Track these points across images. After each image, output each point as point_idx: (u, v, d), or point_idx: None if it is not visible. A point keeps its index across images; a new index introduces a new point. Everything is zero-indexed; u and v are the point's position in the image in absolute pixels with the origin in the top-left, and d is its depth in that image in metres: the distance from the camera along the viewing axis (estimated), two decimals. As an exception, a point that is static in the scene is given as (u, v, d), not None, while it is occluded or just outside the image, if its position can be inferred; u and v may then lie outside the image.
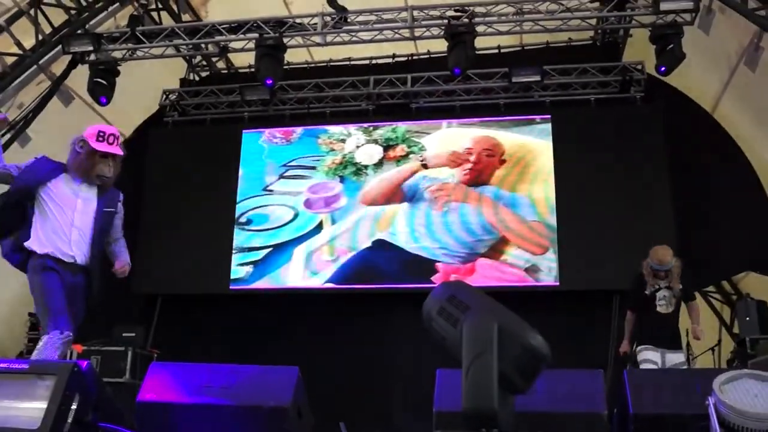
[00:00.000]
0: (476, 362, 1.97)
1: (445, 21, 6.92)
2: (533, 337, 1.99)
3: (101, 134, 4.06)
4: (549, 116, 8.15)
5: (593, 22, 7.25)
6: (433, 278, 7.70)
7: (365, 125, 8.55)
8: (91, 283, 4.03)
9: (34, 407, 2.72)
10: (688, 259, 7.22)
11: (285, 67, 7.46)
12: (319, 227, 8.21)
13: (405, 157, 8.27)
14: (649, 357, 5.48)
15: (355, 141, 8.47)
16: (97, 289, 4.09)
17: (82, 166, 4.07)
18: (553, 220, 7.70)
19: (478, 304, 2.09)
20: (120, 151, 4.12)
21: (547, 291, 7.56)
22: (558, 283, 7.52)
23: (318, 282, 8.03)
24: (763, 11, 6.17)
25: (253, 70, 7.67)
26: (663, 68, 6.80)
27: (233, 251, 8.24)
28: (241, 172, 8.53)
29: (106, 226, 4.18)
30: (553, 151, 7.92)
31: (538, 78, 7.90)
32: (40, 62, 7.54)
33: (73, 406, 2.75)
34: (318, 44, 7.42)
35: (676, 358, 5.52)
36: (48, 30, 7.50)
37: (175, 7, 8.55)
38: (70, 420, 2.72)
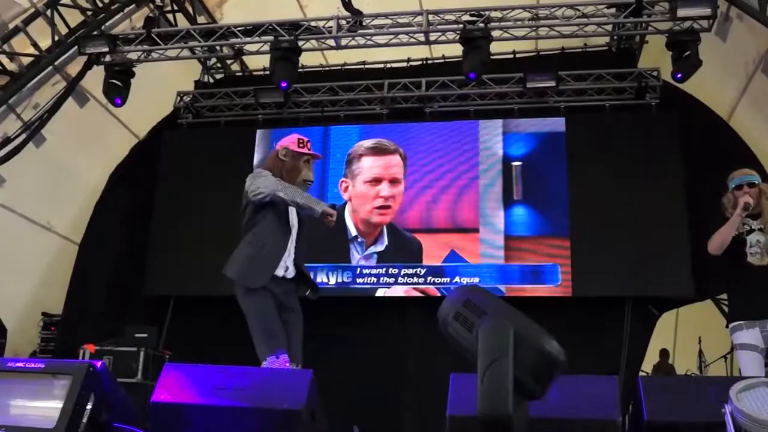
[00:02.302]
0: (492, 367, 1.96)
1: (461, 25, 6.92)
2: (549, 343, 1.99)
3: (301, 141, 4.19)
4: (563, 121, 8.13)
5: (609, 28, 7.22)
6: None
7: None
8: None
9: (49, 407, 2.73)
10: (701, 267, 7.24)
11: (299, 70, 7.47)
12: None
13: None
14: (746, 341, 4.08)
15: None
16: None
17: (289, 174, 4.15)
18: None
19: (494, 309, 2.09)
20: (319, 156, 4.32)
21: (561, 297, 7.53)
22: (571, 290, 7.49)
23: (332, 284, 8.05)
24: (781, 18, 6.14)
25: (267, 72, 7.69)
26: (679, 75, 6.77)
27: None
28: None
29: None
30: (567, 157, 7.91)
31: (553, 83, 7.90)
32: (56, 63, 7.59)
33: (89, 406, 2.76)
34: (333, 47, 7.44)
35: None
36: (64, 31, 7.55)
37: (190, 9, 8.60)
38: (85, 420, 2.73)
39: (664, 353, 9.75)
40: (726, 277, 4.32)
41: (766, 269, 4.12)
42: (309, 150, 4.21)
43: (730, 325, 4.18)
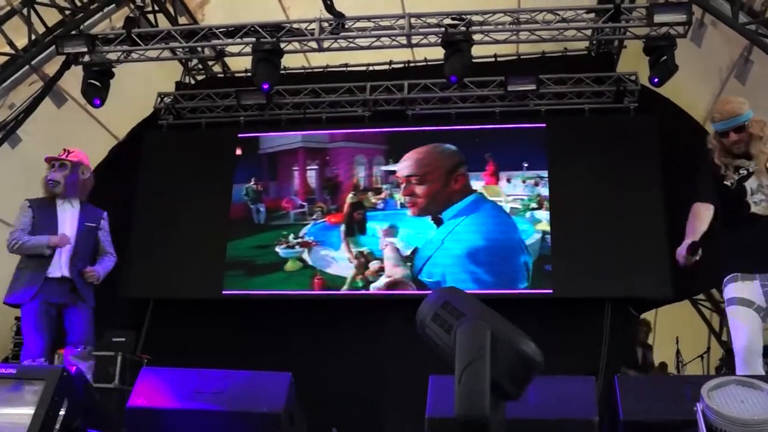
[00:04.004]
0: (469, 369, 1.97)
1: (443, 29, 6.94)
2: (526, 344, 2.00)
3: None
4: (544, 125, 8.19)
5: (588, 32, 7.29)
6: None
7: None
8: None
9: (21, 413, 2.68)
10: (678, 268, 7.29)
11: (282, 72, 7.45)
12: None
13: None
14: (738, 294, 3.46)
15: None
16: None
17: (42, 183, 4.64)
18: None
19: (472, 310, 2.10)
20: (65, 157, 4.69)
21: (541, 298, 7.58)
22: (551, 291, 7.54)
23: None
24: (753, 25, 6.27)
25: (249, 74, 7.66)
26: (656, 79, 6.85)
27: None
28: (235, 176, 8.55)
29: (90, 240, 4.75)
30: (547, 159, 7.96)
31: (533, 87, 7.94)
32: (33, 62, 7.49)
33: (62, 412, 2.71)
34: (315, 50, 7.42)
35: None
36: (41, 30, 7.46)
37: (171, 10, 8.54)
38: (58, 426, 2.69)
39: (662, 366, 9.82)
40: (724, 229, 3.65)
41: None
42: (55, 155, 4.71)
43: (728, 278, 3.55)
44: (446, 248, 7.83)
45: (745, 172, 3.55)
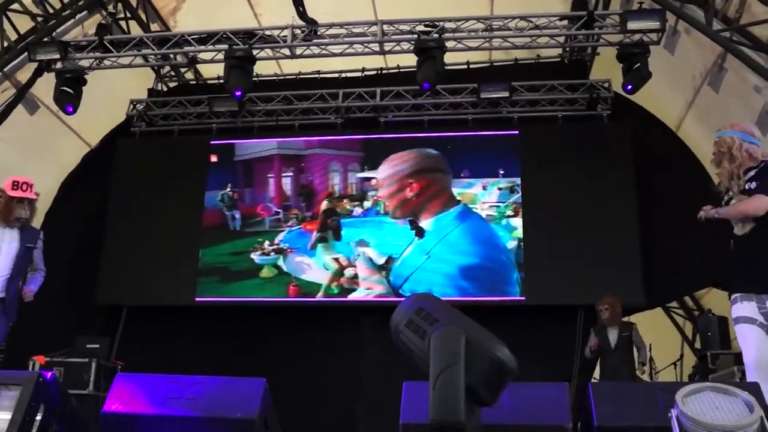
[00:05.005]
0: (443, 375, 1.98)
1: (415, 36, 6.97)
2: (501, 350, 2.01)
3: (15, 183, 4.81)
4: (517, 132, 8.25)
5: (561, 39, 7.35)
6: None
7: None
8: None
9: (-3, 418, 2.67)
10: (652, 275, 7.39)
11: (254, 79, 7.44)
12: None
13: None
14: (742, 314, 3.53)
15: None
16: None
17: (2, 213, 4.82)
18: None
19: (446, 317, 2.11)
20: (33, 196, 4.88)
21: (514, 305, 7.62)
22: (524, 298, 7.59)
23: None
24: (726, 33, 6.29)
25: (221, 81, 7.64)
26: (629, 86, 6.89)
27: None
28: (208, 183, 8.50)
29: (27, 259, 4.96)
30: (521, 167, 8.01)
31: (506, 94, 8.00)
32: (5, 69, 7.43)
33: (38, 417, 2.72)
34: (287, 57, 7.42)
35: None
36: (14, 37, 7.39)
37: (143, 17, 8.49)
38: (34, 431, 2.68)
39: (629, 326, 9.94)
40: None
41: (750, 237, 3.56)
42: (23, 192, 4.85)
43: (733, 296, 3.63)
44: (433, 262, 7.82)
45: (730, 196, 3.73)
